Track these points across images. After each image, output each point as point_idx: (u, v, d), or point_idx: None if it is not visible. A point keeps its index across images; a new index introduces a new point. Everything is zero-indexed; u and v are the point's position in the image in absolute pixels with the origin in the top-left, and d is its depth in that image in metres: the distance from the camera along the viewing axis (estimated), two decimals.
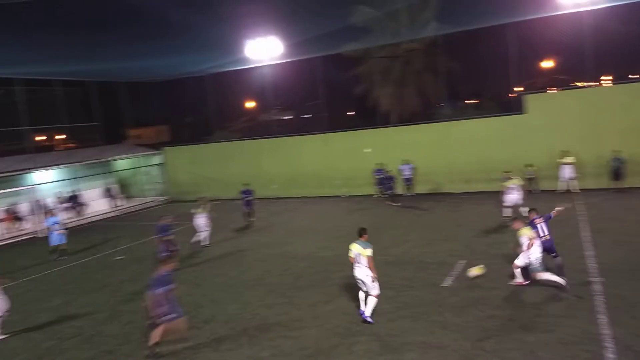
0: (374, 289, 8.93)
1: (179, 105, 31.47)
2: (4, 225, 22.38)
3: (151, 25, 15.82)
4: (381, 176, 21.50)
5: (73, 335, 9.91)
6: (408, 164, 22.30)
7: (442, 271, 11.42)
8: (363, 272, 8.89)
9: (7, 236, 21.86)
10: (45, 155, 26.20)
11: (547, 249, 10.03)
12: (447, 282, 10.67)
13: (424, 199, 21.34)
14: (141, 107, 30.96)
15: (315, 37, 20.03)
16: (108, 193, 27.91)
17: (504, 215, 15.66)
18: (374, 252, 8.94)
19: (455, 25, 21.38)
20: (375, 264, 8.92)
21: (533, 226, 10.09)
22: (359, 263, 8.93)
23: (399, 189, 22.12)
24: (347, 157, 24.36)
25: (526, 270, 9.99)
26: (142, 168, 30.02)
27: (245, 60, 24.11)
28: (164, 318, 8.20)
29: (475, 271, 10.51)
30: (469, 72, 25.53)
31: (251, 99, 33.26)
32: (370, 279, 8.84)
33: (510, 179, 15.87)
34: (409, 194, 22.47)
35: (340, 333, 8.75)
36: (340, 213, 20.58)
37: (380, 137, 23.91)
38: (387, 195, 20.95)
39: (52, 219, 17.45)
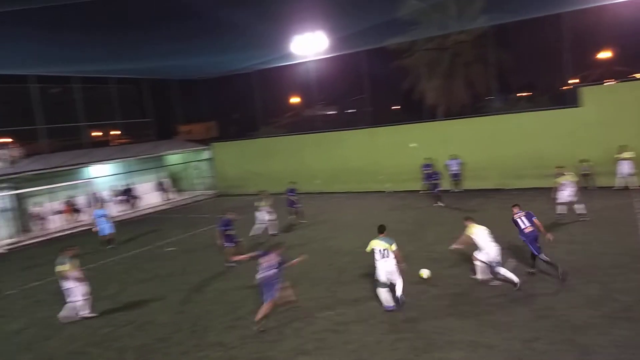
0: (400, 277, 9.49)
1: (227, 102, 32.16)
2: (63, 216, 23.73)
3: (202, 23, 16.25)
4: (429, 171, 21.12)
5: (127, 322, 10.39)
6: (456, 159, 21.79)
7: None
8: (390, 265, 9.39)
9: (66, 227, 23.19)
10: (101, 150, 27.57)
11: (532, 240, 10.32)
12: (495, 281, 10.36)
13: (472, 195, 20.80)
14: (191, 104, 31.88)
15: (360, 31, 19.88)
16: (160, 187, 28.99)
17: (558, 212, 15.02)
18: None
19: (506, 15, 20.61)
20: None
21: (514, 221, 10.55)
22: (385, 257, 9.42)
23: (447, 185, 21.65)
24: (392, 152, 24.10)
25: (492, 269, 10.09)
26: (192, 163, 30.96)
27: (290, 56, 24.34)
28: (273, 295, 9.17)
29: (423, 274, 10.54)
30: (521, 63, 24.58)
31: (296, 94, 33.50)
32: (397, 270, 9.43)
33: (563, 175, 15.17)
34: (456, 190, 21.98)
35: (384, 329, 8.72)
36: (384, 209, 20.41)
37: (426, 131, 23.48)
38: (433, 193, 19.98)
39: (100, 211, 18.54)
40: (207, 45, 19.97)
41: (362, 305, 9.94)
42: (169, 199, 28.79)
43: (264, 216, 16.71)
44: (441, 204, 19.20)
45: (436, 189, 19.76)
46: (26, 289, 13.73)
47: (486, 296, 9.68)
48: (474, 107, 24.60)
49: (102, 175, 25.45)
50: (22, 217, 22.38)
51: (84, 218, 24.06)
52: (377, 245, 9.50)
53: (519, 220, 10.50)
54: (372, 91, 25.67)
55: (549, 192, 15.87)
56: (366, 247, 9.81)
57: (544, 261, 10.25)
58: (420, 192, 22.32)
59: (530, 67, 26.12)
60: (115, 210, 25.91)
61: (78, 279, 10.73)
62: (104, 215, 18.38)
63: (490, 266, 10.11)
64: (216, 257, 14.83)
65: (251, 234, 16.53)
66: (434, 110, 25.55)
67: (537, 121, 20.82)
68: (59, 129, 26.58)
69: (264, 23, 17.13)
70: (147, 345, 9.10)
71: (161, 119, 30.61)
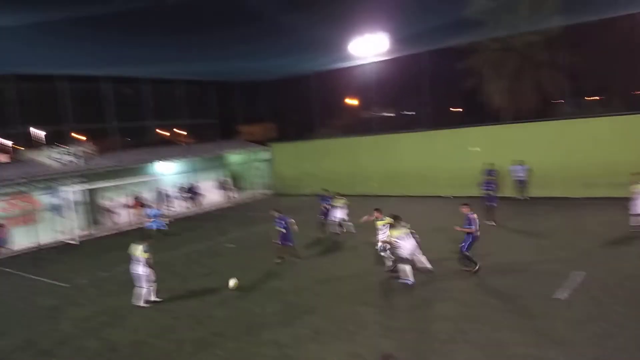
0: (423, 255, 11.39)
1: (286, 103, 32.70)
2: (132, 211, 25.09)
3: (265, 28, 16.62)
4: (491, 177, 20.34)
5: (186, 315, 10.81)
6: (522, 164, 20.84)
7: (555, 282, 10.53)
8: (413, 244, 11.21)
9: (134, 221, 24.50)
10: (167, 149, 28.91)
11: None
12: (561, 294, 9.82)
13: (539, 203, 19.83)
14: (252, 105, 32.72)
15: (422, 31, 19.49)
16: (221, 185, 29.98)
17: (632, 224, 13.99)
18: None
19: (580, 15, 19.47)
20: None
21: (468, 221, 11.56)
22: (409, 238, 11.32)
23: (511, 192, 20.76)
24: (452, 156, 23.47)
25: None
26: (251, 162, 31.77)
27: (349, 57, 24.33)
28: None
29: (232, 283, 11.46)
30: (593, 65, 23.07)
31: (353, 96, 33.42)
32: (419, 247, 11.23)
33: (639, 183, 14.12)
34: (522, 198, 21.03)
35: (440, 339, 8.49)
36: (443, 214, 19.86)
37: (489, 135, 22.64)
38: (487, 205, 17.14)
39: (153, 211, 20.98)
40: (268, 48, 20.40)
41: (419, 313, 9.75)
42: (229, 197, 29.70)
43: (338, 213, 17.12)
44: (492, 223, 16.56)
45: (489, 202, 17.17)
46: (95, 278, 14.63)
47: (549, 310, 9.17)
48: (543, 111, 23.40)
49: (168, 172, 26.67)
50: (94, 210, 23.89)
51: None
52: (400, 232, 11.27)
53: (473, 221, 11.58)
54: (432, 93, 25.12)
55: (622, 202, 14.83)
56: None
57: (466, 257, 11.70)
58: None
59: (604, 70, 24.47)
60: (180, 206, 27.13)
61: (149, 266, 11.46)
62: (157, 215, 20.62)
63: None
64: (272, 255, 15.12)
65: (330, 230, 17.09)
66: (499, 113, 24.58)
67: (610, 127, 19.49)
68: (129, 128, 28.17)
69: (325, 26, 17.24)
70: (204, 339, 9.42)
71: (224, 120, 31.64)
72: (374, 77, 26.73)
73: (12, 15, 11.79)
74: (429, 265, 11.68)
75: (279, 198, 28.86)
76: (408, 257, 11.22)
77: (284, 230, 14.10)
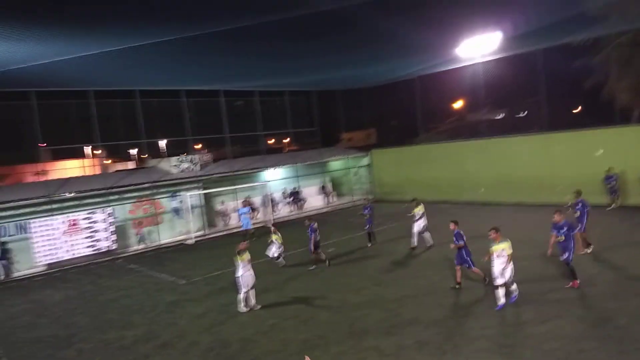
0: (512, 278, 10.12)
1: (388, 109, 32.45)
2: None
3: (367, 35, 16.63)
4: (611, 183, 18.34)
5: (292, 316, 11.11)
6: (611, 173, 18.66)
7: None
8: (504, 265, 10.01)
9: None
10: (273, 156, 30.28)
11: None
12: None
13: None
14: (353, 112, 32.99)
15: (538, 28, 18.07)
16: (323, 190, 30.61)
17: None
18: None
19: None
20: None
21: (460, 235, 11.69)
22: (500, 257, 10.12)
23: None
24: (572, 161, 21.44)
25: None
26: (352, 169, 32.00)
27: (455, 59, 23.42)
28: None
29: None
30: None
31: (459, 98, 32.16)
32: (510, 271, 10.04)
33: None
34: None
35: (558, 357, 7.74)
36: None
37: (615, 137, 20.33)
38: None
39: (244, 209, 22.61)
40: (370, 55, 20.36)
41: (532, 328, 8.99)
42: (330, 202, 30.19)
43: (416, 224, 16.20)
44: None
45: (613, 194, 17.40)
46: (209, 277, 15.68)
47: None
48: None
49: (275, 178, 27.88)
50: (209, 213, 25.72)
51: (260, 216, 26.75)
52: (501, 247, 10.17)
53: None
54: (547, 92, 23.23)
55: None
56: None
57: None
58: (608, 208, 19.42)
59: None
60: (285, 210, 28.22)
61: (247, 269, 11.84)
62: (245, 213, 22.11)
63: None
64: (373, 261, 15.03)
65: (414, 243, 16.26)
66: (628, 113, 22.02)
67: None
68: (241, 138, 30.00)
69: (429, 29, 16.75)
70: (309, 341, 9.58)
71: (326, 127, 32.31)
72: (482, 78, 25.38)
73: (138, 37, 13.15)
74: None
75: (380, 204, 28.64)
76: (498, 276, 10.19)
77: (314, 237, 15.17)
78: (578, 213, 13.96)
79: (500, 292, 10.14)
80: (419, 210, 16.25)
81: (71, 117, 29.24)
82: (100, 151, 36.40)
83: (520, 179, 23.25)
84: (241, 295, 11.79)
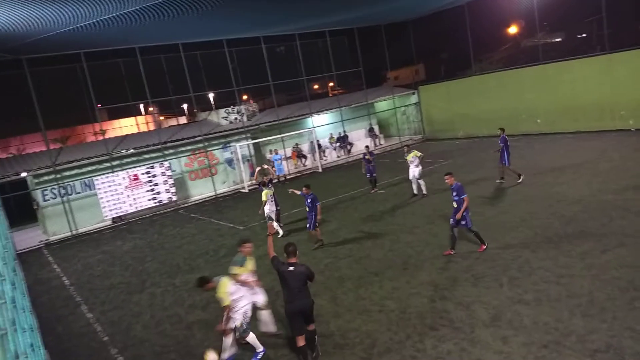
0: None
1: (436, 41, 30.85)
2: (291, 161, 26.98)
3: None
4: None
5: (345, 256, 11.39)
6: None
7: None
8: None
9: (293, 171, 26.34)
10: (319, 102, 30.00)
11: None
12: None
13: None
14: (399, 48, 31.66)
15: None
16: (370, 133, 30.25)
17: None
18: None
19: None
20: None
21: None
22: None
23: None
24: (637, 82, 19.83)
25: None
26: (400, 108, 31.22)
27: None
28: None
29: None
30: None
31: (513, 23, 29.98)
32: None
33: None
34: None
35: (619, 286, 7.54)
36: (625, 150, 17.22)
37: None
38: None
39: (276, 156, 23.87)
40: None
41: (592, 259, 8.76)
42: (378, 145, 29.87)
43: (413, 171, 15.71)
44: None
45: None
46: (264, 222, 16.20)
47: None
48: None
49: (321, 124, 27.77)
50: (259, 162, 26.21)
51: (308, 163, 27.01)
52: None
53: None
54: (610, 9, 21.15)
55: None
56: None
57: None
58: None
59: None
60: (333, 155, 28.29)
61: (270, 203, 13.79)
62: (279, 159, 23.66)
63: None
64: (424, 201, 14.96)
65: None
66: None
67: None
68: (285, 85, 29.78)
69: None
70: (363, 277, 9.84)
71: (370, 67, 31.34)
72: None
73: None
74: None
75: (430, 143, 28.04)
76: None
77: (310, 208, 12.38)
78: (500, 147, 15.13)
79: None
80: (412, 156, 15.74)
81: (121, 77, 30.15)
82: (152, 108, 37.57)
83: (581, 105, 21.90)
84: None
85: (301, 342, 6.82)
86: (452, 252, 10.18)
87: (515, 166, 15.60)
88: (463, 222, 9.99)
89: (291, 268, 6.91)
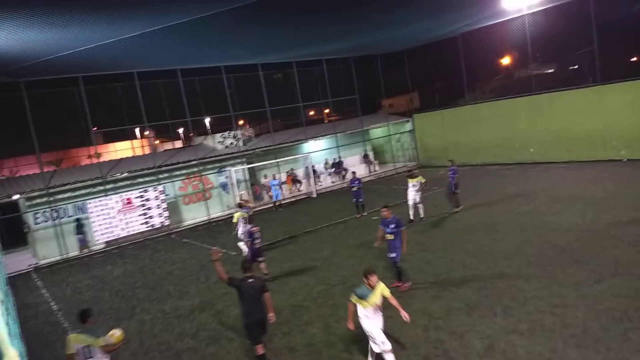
0: None
1: (430, 70, 31.32)
2: (286, 186, 26.97)
3: None
4: None
5: (339, 282, 11.28)
6: None
7: None
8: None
9: (288, 196, 26.31)
10: (314, 127, 30.24)
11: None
12: None
13: None
14: (394, 77, 32.12)
15: None
16: (365, 159, 30.40)
17: None
18: None
19: None
20: None
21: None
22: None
23: None
24: (629, 113, 20.17)
25: None
26: (394, 135, 31.49)
27: (501, 12, 22.20)
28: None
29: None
30: None
31: (506, 54, 30.56)
32: None
33: None
34: None
35: (614, 316, 7.48)
36: (617, 180, 17.36)
37: None
38: None
39: (274, 181, 23.63)
40: (412, 12, 19.51)
41: (586, 288, 8.71)
42: (373, 171, 29.99)
43: (412, 194, 15.86)
44: None
45: None
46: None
47: None
48: None
49: (316, 149, 27.92)
50: (254, 186, 26.20)
51: (303, 188, 27.02)
52: None
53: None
54: (601, 42, 21.65)
55: None
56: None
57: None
58: None
59: None
60: (328, 181, 28.35)
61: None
62: (276, 185, 23.38)
63: None
64: (418, 229, 14.91)
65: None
66: None
67: None
68: (281, 111, 30.01)
69: None
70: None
71: (366, 95, 31.73)
72: (530, 30, 23.90)
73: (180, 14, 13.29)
74: None
75: (424, 170, 28.19)
76: None
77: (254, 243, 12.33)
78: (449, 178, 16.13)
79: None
80: (416, 181, 15.91)
81: (118, 100, 30.30)
82: (148, 132, 37.70)
83: (573, 135, 22.19)
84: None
85: (261, 350, 7.45)
86: (408, 285, 10.14)
87: (461, 197, 16.32)
88: (394, 255, 10.04)
89: (250, 280, 7.46)
